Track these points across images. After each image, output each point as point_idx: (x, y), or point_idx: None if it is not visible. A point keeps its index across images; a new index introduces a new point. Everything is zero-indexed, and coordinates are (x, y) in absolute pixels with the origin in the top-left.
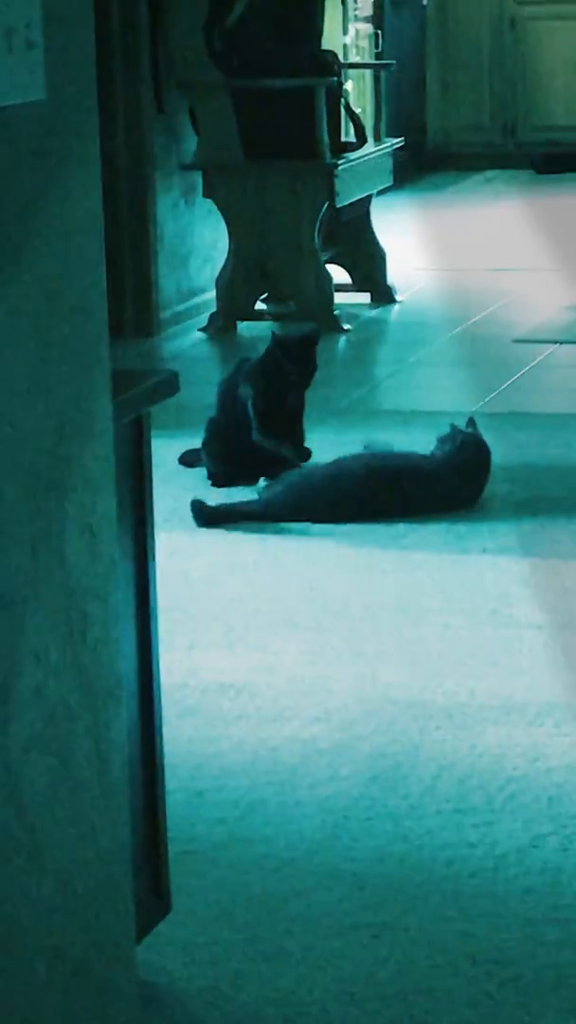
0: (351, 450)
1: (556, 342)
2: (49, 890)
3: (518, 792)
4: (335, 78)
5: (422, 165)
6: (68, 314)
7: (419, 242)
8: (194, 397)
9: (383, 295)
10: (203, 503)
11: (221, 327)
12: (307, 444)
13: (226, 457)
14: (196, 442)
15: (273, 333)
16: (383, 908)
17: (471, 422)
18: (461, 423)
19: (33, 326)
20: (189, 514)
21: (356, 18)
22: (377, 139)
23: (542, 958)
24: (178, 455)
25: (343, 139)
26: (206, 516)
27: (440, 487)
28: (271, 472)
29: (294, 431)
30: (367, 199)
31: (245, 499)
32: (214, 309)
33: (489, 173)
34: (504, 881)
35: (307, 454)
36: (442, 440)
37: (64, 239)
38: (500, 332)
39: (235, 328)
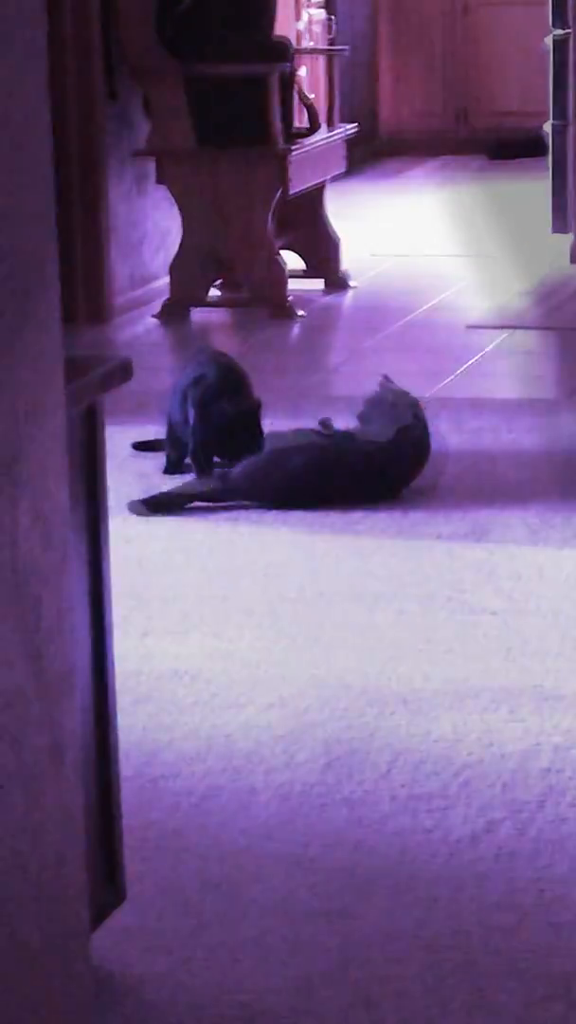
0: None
1: (510, 328)
2: (2, 878)
3: (472, 778)
4: (288, 64)
5: (375, 151)
6: (19, 300)
7: (373, 228)
8: (147, 384)
9: (337, 281)
10: (145, 499)
11: (174, 314)
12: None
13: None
14: (150, 428)
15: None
16: (338, 894)
17: (386, 379)
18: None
19: None
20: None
21: (309, 4)
22: (330, 125)
23: (496, 943)
24: (132, 441)
25: (296, 125)
26: (152, 505)
27: (385, 474)
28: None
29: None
30: (321, 185)
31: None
32: (167, 296)
33: (442, 159)
34: (458, 867)
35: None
36: (371, 403)
37: (14, 227)
38: (454, 318)
39: (188, 315)
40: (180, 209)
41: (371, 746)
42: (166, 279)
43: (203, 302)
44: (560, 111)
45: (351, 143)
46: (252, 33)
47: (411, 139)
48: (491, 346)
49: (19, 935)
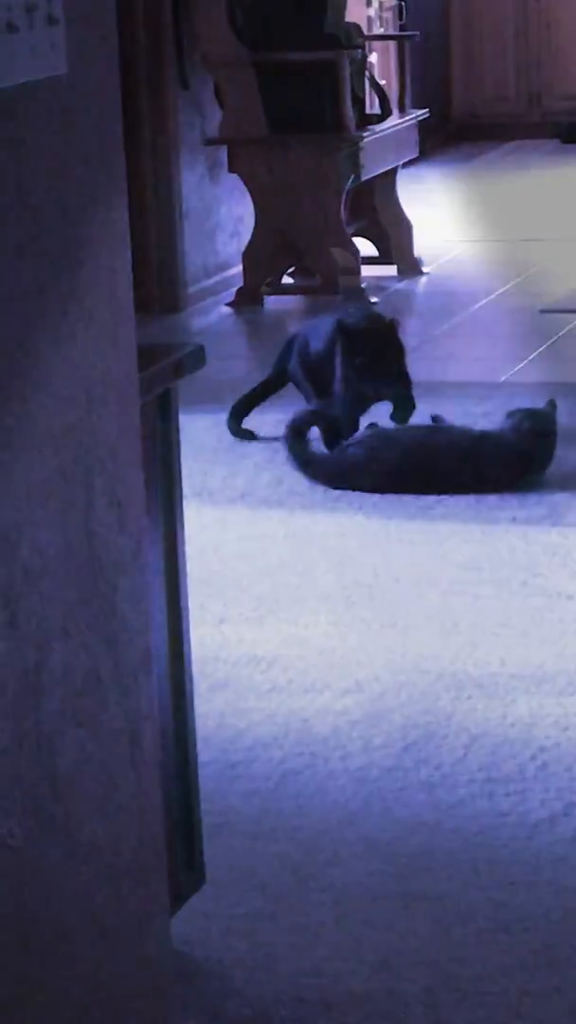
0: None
1: None
2: (83, 863)
3: (550, 761)
4: (359, 50)
5: (448, 136)
6: (93, 288)
7: (445, 213)
8: (221, 371)
9: (410, 267)
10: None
11: (247, 301)
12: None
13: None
14: (223, 417)
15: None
16: (416, 878)
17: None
18: (488, 394)
19: (58, 299)
20: (218, 488)
21: None
22: (402, 111)
23: (575, 926)
24: (206, 429)
25: (368, 111)
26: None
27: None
28: None
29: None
30: (393, 171)
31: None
32: (240, 284)
33: (514, 143)
34: (536, 849)
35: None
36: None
37: (87, 212)
38: (527, 302)
39: (262, 302)
40: (252, 196)
41: (448, 730)
42: (239, 267)
43: (276, 289)
44: None
45: (423, 128)
46: (323, 20)
47: (483, 124)
48: (565, 330)
49: (100, 919)
